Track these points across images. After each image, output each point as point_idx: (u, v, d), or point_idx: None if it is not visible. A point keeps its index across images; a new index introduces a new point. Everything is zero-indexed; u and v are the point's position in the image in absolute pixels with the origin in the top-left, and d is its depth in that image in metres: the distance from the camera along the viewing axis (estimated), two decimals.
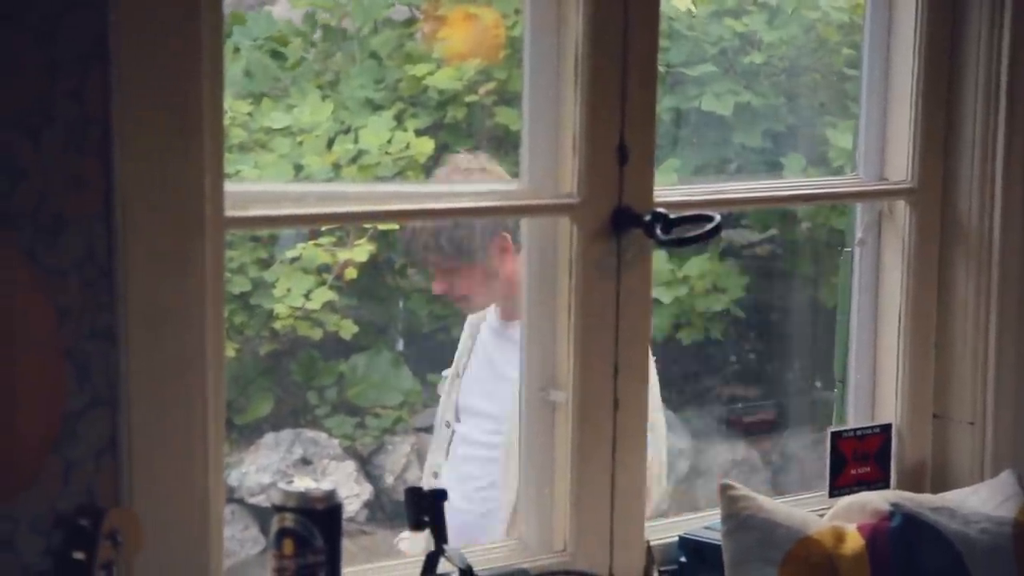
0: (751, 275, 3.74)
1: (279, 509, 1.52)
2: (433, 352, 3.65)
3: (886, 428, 2.04)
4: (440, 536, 1.62)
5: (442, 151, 3.38)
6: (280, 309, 3.35)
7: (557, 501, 1.80)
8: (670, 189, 1.88)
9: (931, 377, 2.09)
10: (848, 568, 1.78)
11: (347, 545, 1.56)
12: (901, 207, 2.07)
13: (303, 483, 1.53)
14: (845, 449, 2.00)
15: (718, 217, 1.75)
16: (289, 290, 3.32)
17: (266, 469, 3.64)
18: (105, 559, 1.30)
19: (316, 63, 3.31)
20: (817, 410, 3.78)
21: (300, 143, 3.23)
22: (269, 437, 3.67)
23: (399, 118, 3.30)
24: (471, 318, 2.57)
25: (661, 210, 1.76)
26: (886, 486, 2.03)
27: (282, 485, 1.52)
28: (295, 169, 3.24)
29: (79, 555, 1.28)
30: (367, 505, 3.75)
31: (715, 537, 1.83)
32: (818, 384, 3.79)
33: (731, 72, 3.53)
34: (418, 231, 2.54)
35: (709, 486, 3.73)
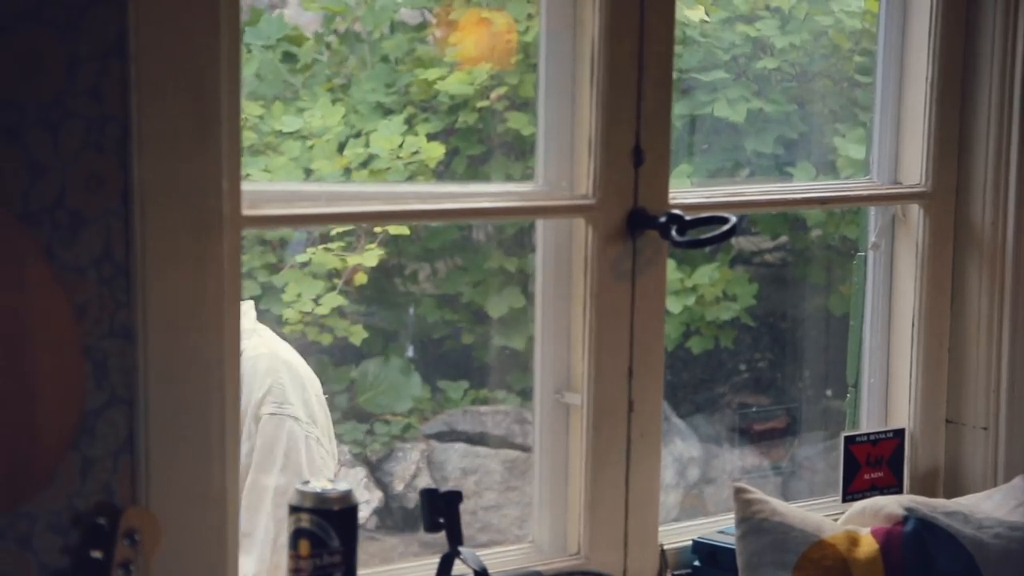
0: (761, 283, 3.73)
1: (295, 509, 1.52)
2: (443, 359, 3.65)
3: (899, 433, 2.04)
4: (455, 538, 1.62)
5: (452, 156, 3.38)
6: (289, 314, 3.35)
7: (571, 504, 1.79)
8: (685, 191, 1.89)
9: (944, 382, 2.09)
10: (862, 572, 1.78)
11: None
12: (915, 211, 2.07)
13: (319, 483, 1.53)
14: (858, 454, 2.00)
15: (733, 219, 1.75)
16: (299, 295, 3.32)
17: None
18: (122, 558, 1.29)
19: (328, 67, 3.32)
20: (827, 418, 3.77)
21: (311, 147, 3.23)
22: None
23: (410, 122, 3.31)
24: None
25: (676, 212, 1.76)
26: (899, 491, 2.03)
27: (299, 485, 1.52)
28: (305, 173, 3.24)
29: (96, 554, 1.28)
30: (376, 512, 3.74)
31: (729, 541, 1.82)
32: (828, 392, 3.79)
33: (743, 78, 3.53)
34: None
35: (719, 493, 3.73)
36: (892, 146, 2.07)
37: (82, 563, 1.27)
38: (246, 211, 1.50)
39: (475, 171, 3.43)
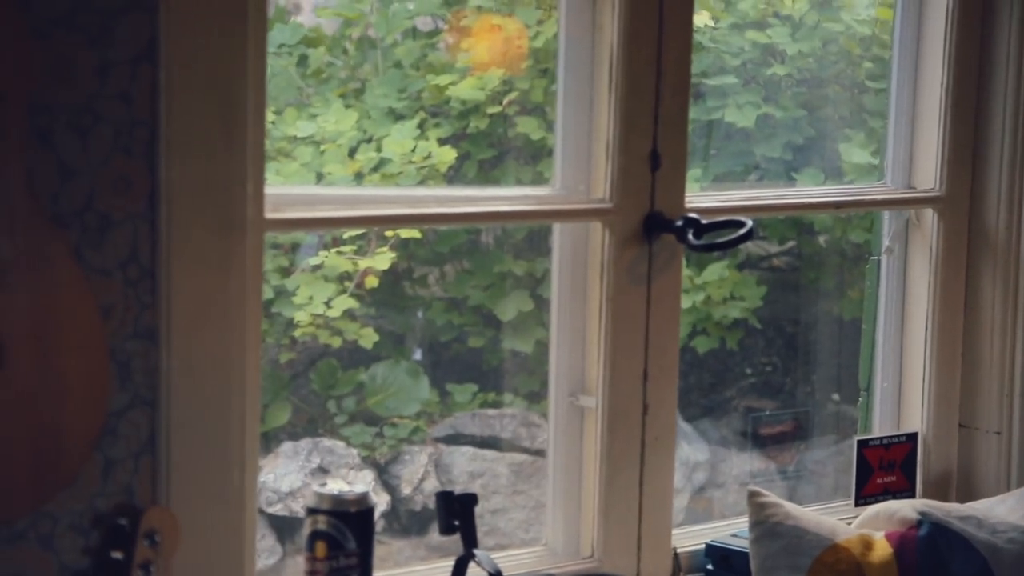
0: (769, 287, 3.74)
1: (312, 511, 1.52)
2: (451, 362, 3.65)
3: (912, 437, 2.05)
4: (470, 540, 1.63)
5: (463, 160, 3.39)
6: (300, 317, 3.35)
7: (585, 507, 1.80)
8: (701, 195, 1.90)
9: (957, 386, 2.10)
10: None
11: None
12: (929, 215, 2.07)
13: (336, 485, 1.54)
14: (871, 458, 2.00)
15: (750, 223, 1.76)
16: (310, 298, 3.32)
17: (284, 478, 3.64)
18: (142, 559, 1.30)
19: (342, 71, 3.33)
20: (835, 422, 3.77)
21: (323, 152, 3.24)
22: (287, 446, 3.67)
23: (422, 127, 3.31)
24: None
25: (693, 215, 1.77)
26: (912, 495, 2.03)
27: (316, 487, 1.53)
28: (317, 177, 3.25)
29: (117, 554, 1.28)
30: (384, 515, 3.74)
31: (742, 544, 1.83)
32: (836, 396, 3.79)
33: (752, 84, 3.54)
34: None
35: (727, 498, 3.73)
36: (906, 151, 2.08)
37: (102, 563, 1.28)
38: (269, 214, 1.51)
39: (485, 175, 3.43)
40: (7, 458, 1.30)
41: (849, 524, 1.88)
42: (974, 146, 2.06)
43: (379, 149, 3.28)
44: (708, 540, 1.87)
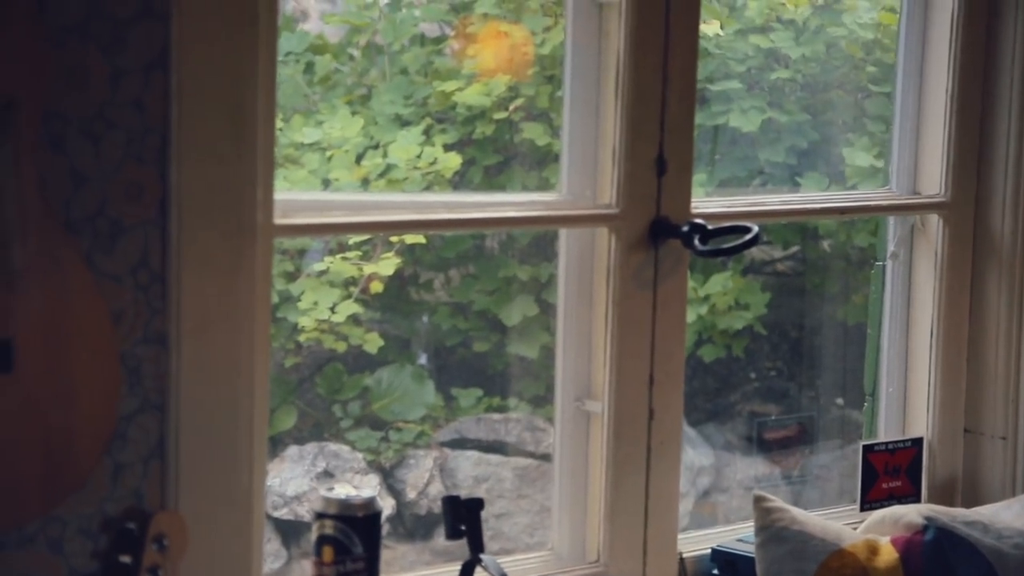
0: (773, 292, 3.74)
1: (320, 516, 1.53)
2: (457, 366, 3.66)
3: (917, 442, 2.05)
4: (477, 545, 1.63)
5: (468, 166, 3.40)
6: (305, 322, 3.36)
7: (591, 512, 1.80)
8: (707, 200, 1.90)
9: (963, 391, 2.10)
10: None
11: None
12: (934, 221, 2.08)
13: (344, 490, 1.54)
14: (876, 463, 2.00)
15: (756, 228, 1.76)
16: (316, 303, 3.33)
17: (289, 482, 3.64)
18: (151, 563, 1.30)
19: (349, 78, 3.34)
20: (840, 427, 3.77)
21: (329, 158, 3.25)
22: (293, 450, 3.67)
23: (428, 133, 3.32)
24: None
25: (699, 221, 1.77)
26: (917, 500, 2.03)
27: (323, 492, 1.53)
28: (323, 183, 3.26)
29: (125, 558, 1.29)
30: (389, 519, 3.75)
31: (748, 549, 1.83)
32: (840, 401, 3.79)
33: (756, 89, 3.55)
34: None
35: (732, 503, 3.73)
36: (911, 156, 2.08)
37: (111, 567, 1.28)
38: (278, 220, 1.52)
39: (491, 181, 3.44)
40: (17, 462, 1.31)
41: (855, 529, 1.89)
42: (979, 151, 2.07)
43: (385, 155, 3.29)
44: (714, 545, 1.88)
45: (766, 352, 3.94)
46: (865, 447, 2.01)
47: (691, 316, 3.61)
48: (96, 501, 1.42)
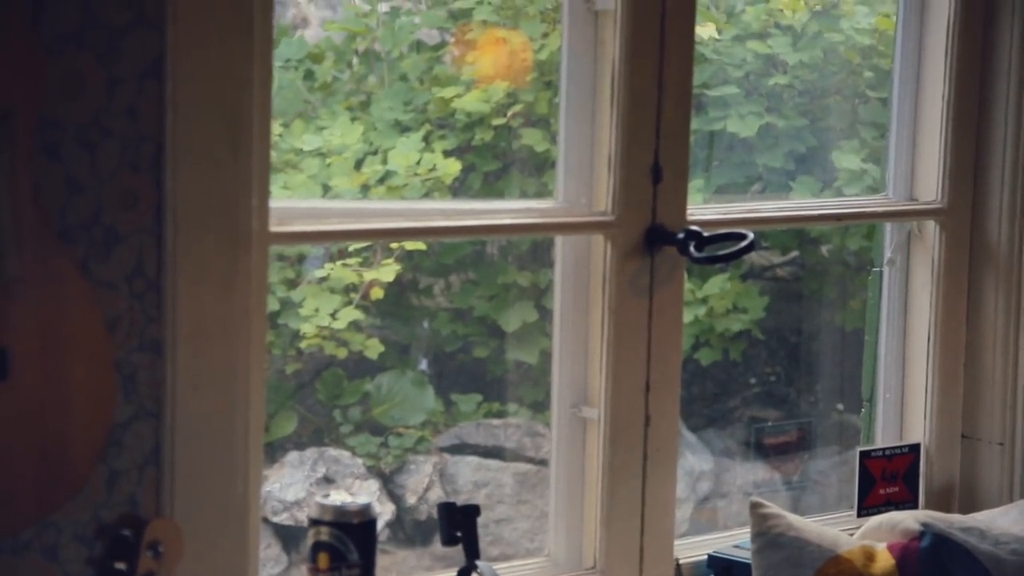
0: (771, 296, 3.74)
1: (315, 523, 1.53)
2: (456, 372, 3.66)
3: (915, 448, 2.05)
4: (472, 551, 1.63)
5: (468, 172, 3.41)
6: (307, 328, 3.37)
7: (587, 518, 1.81)
8: (703, 207, 1.91)
9: (960, 397, 2.10)
10: None
11: None
12: (931, 227, 2.08)
13: (339, 497, 1.54)
14: (874, 469, 2.01)
15: (751, 235, 1.77)
16: (316, 310, 3.33)
17: (289, 488, 3.64)
18: (146, 570, 1.31)
19: (348, 84, 3.35)
20: (838, 432, 3.78)
21: (329, 164, 3.26)
22: (293, 455, 3.68)
23: (427, 140, 3.33)
24: None
25: (694, 228, 1.78)
26: (914, 506, 2.03)
27: (318, 498, 1.54)
28: (323, 190, 3.26)
29: (120, 565, 1.29)
30: (388, 525, 3.75)
31: (744, 555, 1.83)
32: (839, 407, 3.79)
33: (754, 94, 3.55)
34: None
35: (730, 508, 3.73)
36: (908, 163, 2.09)
37: (106, 574, 1.29)
38: (274, 227, 1.52)
39: (490, 187, 3.45)
40: (13, 469, 1.31)
41: (851, 535, 1.89)
42: (976, 158, 2.07)
43: (385, 161, 3.30)
44: (710, 551, 1.88)
45: (764, 357, 3.94)
46: (862, 453, 2.01)
47: (688, 318, 3.61)
48: (91, 508, 1.42)
